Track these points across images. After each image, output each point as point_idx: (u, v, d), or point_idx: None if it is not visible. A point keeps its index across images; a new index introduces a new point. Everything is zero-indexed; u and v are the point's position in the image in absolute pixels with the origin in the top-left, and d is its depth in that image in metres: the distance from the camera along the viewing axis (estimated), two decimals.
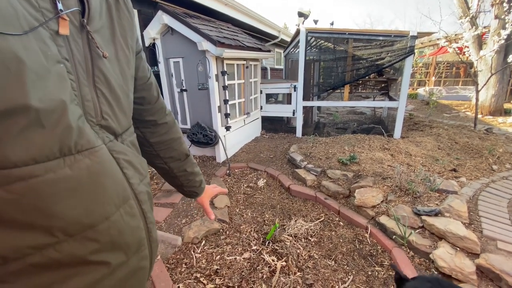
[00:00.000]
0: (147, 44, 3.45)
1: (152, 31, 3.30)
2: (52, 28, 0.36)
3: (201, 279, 1.84)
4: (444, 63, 12.22)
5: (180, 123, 3.80)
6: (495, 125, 6.25)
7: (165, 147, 0.76)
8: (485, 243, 1.89)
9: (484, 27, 7.23)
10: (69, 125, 0.37)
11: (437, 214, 2.09)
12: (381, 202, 2.43)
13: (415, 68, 12.48)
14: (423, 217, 2.09)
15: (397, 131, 4.28)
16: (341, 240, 2.21)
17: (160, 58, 3.50)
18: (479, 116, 7.43)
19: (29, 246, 0.36)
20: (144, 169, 0.55)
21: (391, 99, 4.89)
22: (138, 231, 0.48)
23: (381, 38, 4.01)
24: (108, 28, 0.47)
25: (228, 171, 3.42)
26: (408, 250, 1.97)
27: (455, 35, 6.14)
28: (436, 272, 1.75)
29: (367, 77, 4.84)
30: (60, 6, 0.36)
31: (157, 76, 3.67)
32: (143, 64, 0.65)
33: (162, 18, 3.16)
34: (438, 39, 5.45)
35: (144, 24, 3.42)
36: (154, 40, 3.43)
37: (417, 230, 2.05)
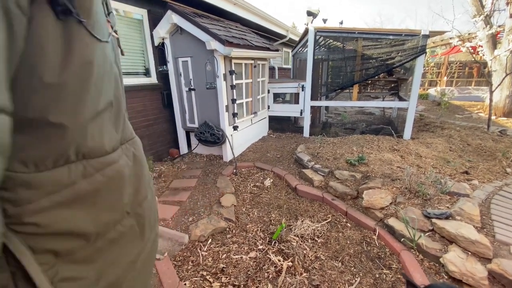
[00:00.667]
0: (156, 44, 3.49)
1: (162, 31, 3.33)
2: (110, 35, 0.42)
3: (207, 277, 1.86)
4: (456, 63, 11.93)
5: (188, 122, 3.83)
6: (510, 127, 6.07)
7: None
8: (498, 248, 1.83)
9: (499, 26, 7.01)
10: (124, 118, 0.43)
11: (448, 217, 2.04)
12: (390, 204, 2.39)
13: (426, 68, 12.23)
14: (433, 220, 2.04)
15: (407, 132, 4.20)
16: (348, 242, 2.18)
17: (169, 57, 3.53)
18: (493, 117, 7.23)
19: (110, 222, 0.41)
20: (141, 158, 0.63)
21: (401, 99, 4.81)
22: (156, 209, 0.57)
23: (391, 37, 3.95)
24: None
25: (235, 170, 3.42)
26: (417, 254, 1.93)
27: (469, 34, 5.98)
28: (446, 277, 1.72)
29: (376, 77, 4.76)
30: (108, 18, 0.43)
31: (166, 75, 3.70)
32: None
33: (171, 18, 3.19)
34: (450, 38, 5.32)
35: (153, 24, 3.45)
36: (163, 39, 3.46)
37: (427, 233, 2.01)
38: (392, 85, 5.28)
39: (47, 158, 0.32)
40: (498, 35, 7.58)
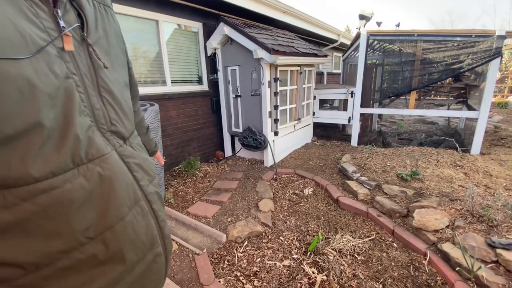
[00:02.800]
0: (208, 54, 3.77)
1: (214, 42, 3.59)
2: (58, 46, 0.38)
3: (241, 278, 1.92)
4: None
5: (233, 126, 4.02)
6: None
7: (139, 127, 0.89)
8: None
9: None
10: (77, 136, 0.39)
11: None
12: (446, 227, 2.12)
13: (506, 72, 10.42)
14: (499, 251, 1.75)
15: (476, 146, 3.65)
16: (392, 263, 2.01)
17: (220, 66, 3.77)
18: None
19: (58, 251, 0.39)
20: (152, 171, 0.57)
21: (470, 108, 4.21)
22: (150, 229, 0.51)
23: (458, 38, 3.51)
24: (104, 38, 0.49)
25: (275, 176, 3.45)
26: (476, 286, 1.67)
27: None
28: None
29: (439, 83, 4.27)
30: (62, 23, 0.39)
31: (216, 83, 3.96)
32: (132, 72, 0.71)
33: (223, 29, 3.42)
34: None
35: (207, 36, 3.74)
36: (215, 50, 3.72)
37: (489, 265, 1.73)
38: (460, 92, 4.66)
39: None
40: None
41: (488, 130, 5.22)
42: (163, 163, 1.19)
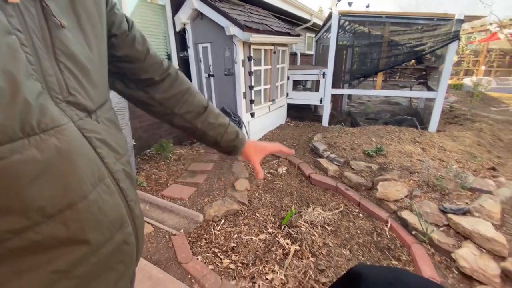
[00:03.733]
0: (178, 29, 3.55)
1: (183, 16, 3.38)
2: None
3: (218, 254, 1.97)
4: (496, 51, 10.87)
5: None
6: None
7: (175, 102, 0.71)
8: None
9: None
10: (27, 102, 0.33)
11: (465, 213, 1.97)
12: (405, 196, 2.34)
13: (462, 56, 11.28)
14: (449, 215, 1.99)
15: (433, 124, 3.99)
16: (358, 232, 2.19)
17: (190, 43, 3.59)
18: None
19: (7, 230, 0.34)
20: (122, 147, 0.51)
21: (429, 89, 4.54)
22: (118, 208, 0.46)
23: (422, 21, 3.69)
24: None
25: None
26: (429, 248, 1.90)
27: (510, 19, 5.40)
28: (456, 272, 1.69)
29: (403, 65, 4.51)
30: None
31: (186, 61, 3.79)
32: (118, 20, 0.58)
33: (192, 3, 3.22)
34: (489, 23, 4.85)
35: (176, 9, 3.50)
36: (184, 25, 3.52)
37: (441, 228, 1.97)
38: (421, 73, 4.98)
39: None
40: None
41: (444, 110, 5.70)
42: (261, 176, 0.88)
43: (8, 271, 0.34)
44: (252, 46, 3.43)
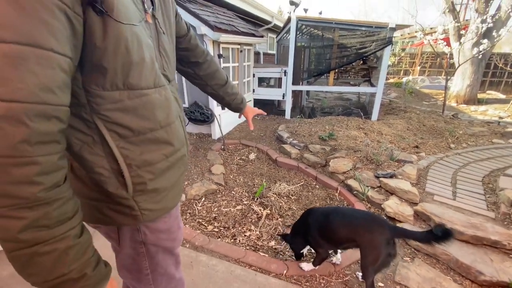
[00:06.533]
0: None
1: None
2: (144, 19, 0.64)
3: (203, 222, 2.32)
4: (428, 54, 12.74)
5: None
6: (468, 113, 6.85)
7: (210, 77, 1.07)
8: (425, 196, 2.43)
9: (466, 20, 7.68)
10: (156, 71, 0.67)
11: (391, 176, 2.61)
12: (351, 169, 2.93)
13: (400, 58, 12.96)
14: (381, 179, 2.61)
15: (375, 114, 4.78)
16: (316, 198, 2.71)
17: None
18: (454, 104, 8.05)
19: (147, 128, 0.66)
20: (181, 102, 0.87)
21: (372, 85, 5.36)
22: (183, 133, 0.81)
23: (363, 28, 4.41)
24: (161, 12, 0.76)
25: (223, 146, 3.84)
26: (367, 203, 2.49)
27: (431, 28, 6.60)
28: (385, 217, 2.28)
29: (352, 64, 5.26)
30: (146, 7, 0.65)
31: None
32: (182, 25, 0.95)
33: None
34: (416, 31, 5.89)
35: None
36: None
37: (375, 189, 2.57)
38: (365, 72, 5.82)
39: (106, 85, 0.58)
40: (466, 29, 8.28)
41: (385, 103, 6.69)
42: (252, 128, 1.33)
43: (144, 150, 0.67)
44: (221, 45, 3.78)
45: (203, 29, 3.37)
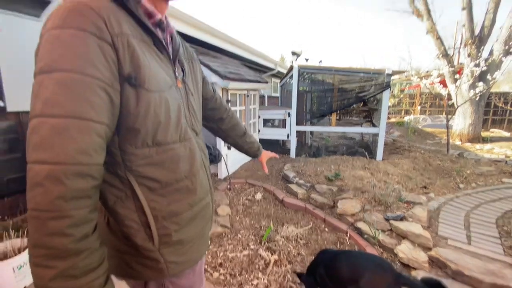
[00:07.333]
0: None
1: None
2: (174, 84, 0.74)
3: (208, 269, 2.24)
4: (426, 94, 13.23)
5: None
6: (473, 151, 6.85)
7: (231, 130, 1.18)
8: (438, 241, 2.34)
9: (460, 64, 8.15)
10: (182, 126, 0.75)
11: (402, 218, 2.55)
12: (359, 211, 2.89)
13: (400, 98, 13.46)
14: (391, 222, 2.55)
15: (379, 154, 4.83)
16: (325, 242, 2.63)
17: None
18: (459, 143, 8.09)
19: (174, 179, 0.72)
20: (206, 152, 0.93)
21: (374, 126, 5.51)
22: (207, 183, 0.86)
23: (362, 74, 4.72)
24: (191, 77, 0.87)
25: (229, 186, 3.87)
26: (379, 248, 2.40)
27: (426, 72, 7.02)
28: (398, 264, 2.18)
29: (352, 106, 5.49)
30: (176, 74, 0.76)
31: None
32: (208, 88, 1.07)
33: None
34: (411, 75, 6.26)
35: None
36: None
37: (386, 232, 2.50)
38: (367, 113, 6.03)
39: (138, 143, 0.65)
40: (460, 72, 8.72)
41: (388, 142, 6.77)
42: (267, 171, 1.40)
43: (170, 200, 0.71)
44: (230, 91, 4.05)
45: (213, 78, 3.66)
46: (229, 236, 2.75)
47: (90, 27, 0.52)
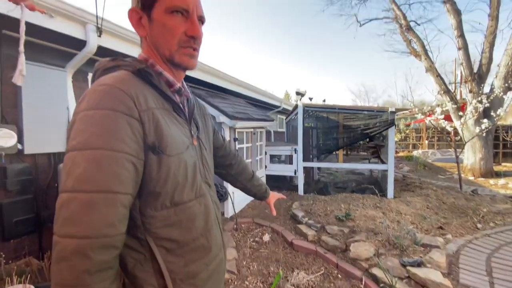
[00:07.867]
0: None
1: None
2: (191, 143, 0.78)
3: None
4: (432, 129, 13.25)
5: None
6: (487, 186, 6.62)
7: (240, 174, 1.20)
8: None
9: (463, 99, 8.28)
10: (198, 183, 0.77)
11: (419, 264, 2.40)
12: (373, 255, 2.73)
13: (406, 133, 13.51)
14: (408, 267, 2.39)
15: (390, 191, 4.71)
16: None
17: None
18: (472, 178, 7.86)
19: (190, 238, 0.72)
20: (219, 204, 0.94)
21: (382, 162, 5.46)
22: (220, 238, 0.85)
23: (365, 112, 4.83)
24: (204, 131, 0.92)
25: (235, 226, 3.76)
26: None
27: (430, 107, 7.14)
28: None
29: (358, 143, 5.53)
30: (192, 132, 0.80)
31: None
32: (219, 138, 1.13)
33: None
34: (416, 113, 6.37)
35: None
36: None
37: (404, 280, 2.33)
38: (374, 149, 6.03)
39: (157, 206, 0.67)
40: (463, 107, 8.82)
41: (399, 178, 6.63)
42: (275, 214, 1.39)
43: (187, 261, 0.71)
44: (237, 130, 4.17)
45: (221, 118, 3.80)
46: (235, 283, 2.60)
47: (121, 107, 0.58)
